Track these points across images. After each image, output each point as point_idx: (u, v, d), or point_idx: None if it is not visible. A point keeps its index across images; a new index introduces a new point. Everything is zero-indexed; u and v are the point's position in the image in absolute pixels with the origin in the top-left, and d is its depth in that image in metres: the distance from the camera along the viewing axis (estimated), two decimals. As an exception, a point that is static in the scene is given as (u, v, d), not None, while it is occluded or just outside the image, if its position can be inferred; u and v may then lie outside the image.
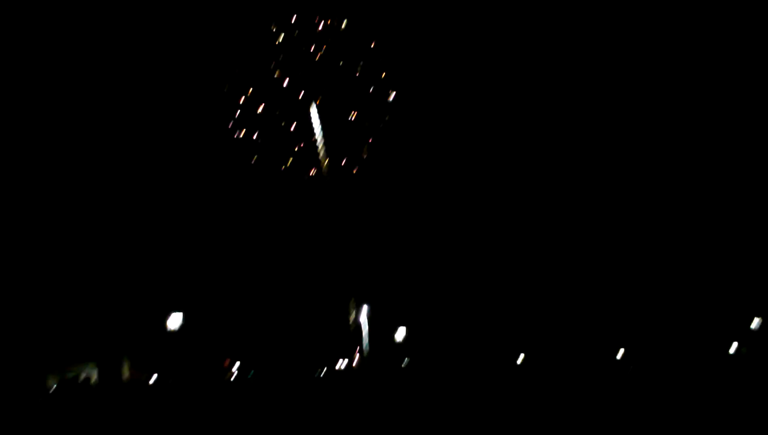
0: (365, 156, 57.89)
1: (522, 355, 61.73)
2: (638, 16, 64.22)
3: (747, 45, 60.81)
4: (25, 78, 59.91)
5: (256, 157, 57.94)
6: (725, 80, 62.34)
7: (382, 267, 61.54)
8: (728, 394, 27.74)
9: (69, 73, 61.17)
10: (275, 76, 56.98)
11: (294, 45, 57.00)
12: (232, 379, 58.51)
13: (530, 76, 66.25)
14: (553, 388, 33.51)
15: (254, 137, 57.76)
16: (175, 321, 42.16)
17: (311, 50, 56.99)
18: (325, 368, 59.15)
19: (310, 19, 56.87)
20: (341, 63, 57.46)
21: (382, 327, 56.85)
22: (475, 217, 66.17)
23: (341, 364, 59.29)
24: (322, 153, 57.88)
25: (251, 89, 57.03)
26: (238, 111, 57.24)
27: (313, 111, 57.71)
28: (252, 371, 61.48)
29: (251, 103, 57.48)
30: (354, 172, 58.43)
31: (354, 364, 54.33)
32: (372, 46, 57.58)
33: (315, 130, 57.58)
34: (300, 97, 57.63)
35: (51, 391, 45.72)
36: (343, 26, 56.85)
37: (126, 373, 54.68)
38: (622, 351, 58.69)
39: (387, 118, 58.23)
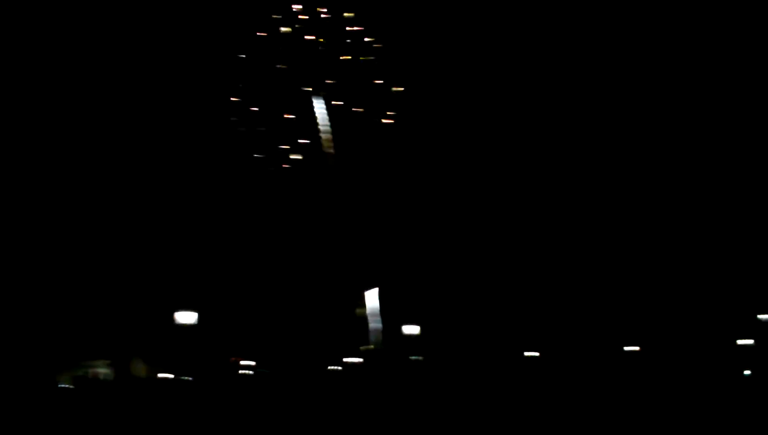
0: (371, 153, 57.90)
1: (534, 353, 61.62)
2: (646, 17, 63.92)
3: (747, 45, 60.53)
4: (29, 78, 59.99)
5: (263, 152, 58.04)
6: (725, 80, 62.06)
7: (392, 261, 61.43)
8: (733, 392, 27.65)
9: (78, 70, 61.25)
10: (279, 67, 57.05)
11: (300, 38, 57.04)
12: (241, 375, 58.57)
13: (539, 72, 65.94)
14: (563, 386, 33.44)
15: (261, 132, 57.85)
16: (186, 318, 42.32)
17: (317, 43, 57.02)
18: (335, 364, 59.14)
19: (316, 12, 56.90)
20: (348, 56, 57.49)
21: (392, 322, 56.86)
22: (485, 211, 65.93)
23: (351, 359, 59.26)
24: (328, 146, 57.93)
25: (256, 83, 57.12)
26: (244, 106, 57.34)
27: (319, 103, 57.77)
28: (263, 368, 61.54)
29: (257, 98, 57.57)
30: (361, 165, 58.47)
31: (364, 360, 54.37)
32: (378, 39, 57.55)
33: (320, 123, 57.64)
34: (305, 90, 57.68)
35: (64, 389, 45.90)
36: (349, 19, 56.87)
37: (137, 370, 54.85)
38: (631, 348, 58.47)
39: (393, 112, 58.21)
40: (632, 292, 61.18)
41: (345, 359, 59.06)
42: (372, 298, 55.15)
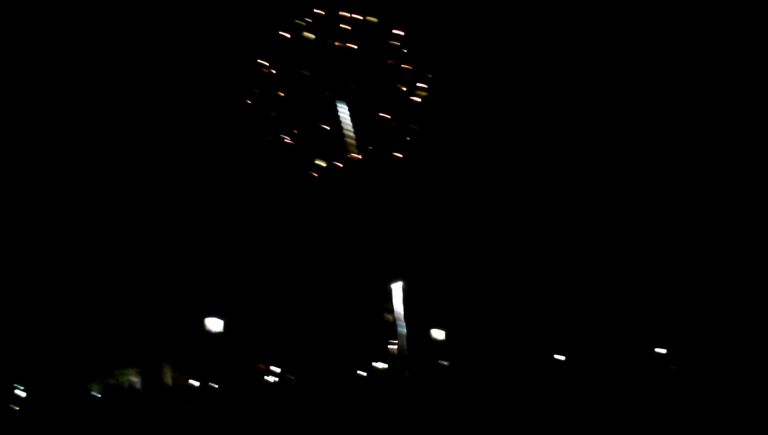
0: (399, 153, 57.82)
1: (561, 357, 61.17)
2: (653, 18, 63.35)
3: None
4: (53, 76, 60.66)
5: (288, 159, 58.27)
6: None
7: (418, 266, 61.40)
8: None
9: (108, 88, 62.00)
10: (302, 73, 57.28)
11: (323, 43, 57.24)
12: (268, 382, 58.84)
13: (566, 76, 65.56)
14: (592, 390, 33.19)
15: (286, 138, 58.10)
16: (214, 326, 42.61)
17: (341, 47, 57.19)
18: (362, 369, 59.17)
19: (339, 15, 57.05)
20: (371, 60, 57.55)
21: (418, 328, 56.81)
22: (512, 215, 65.69)
23: (378, 366, 59.28)
24: (353, 151, 58.05)
25: (279, 90, 57.40)
26: (267, 112, 57.62)
27: (343, 109, 57.94)
28: (289, 374, 61.76)
29: (280, 104, 57.84)
30: (386, 170, 58.49)
31: (390, 365, 54.36)
32: (402, 43, 57.56)
33: (345, 127, 57.79)
34: (329, 94, 57.86)
35: (94, 397, 46.45)
36: (374, 23, 56.96)
37: (167, 378, 55.32)
38: (658, 351, 57.84)
39: (417, 116, 58.16)
40: (661, 294, 60.57)
41: (372, 364, 59.14)
42: (398, 303, 55.11)
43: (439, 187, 64.31)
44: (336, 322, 61.54)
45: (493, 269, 64.18)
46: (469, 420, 26.31)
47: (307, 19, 57.06)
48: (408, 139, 58.74)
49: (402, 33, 57.82)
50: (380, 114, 58.46)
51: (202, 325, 50.45)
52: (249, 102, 57.31)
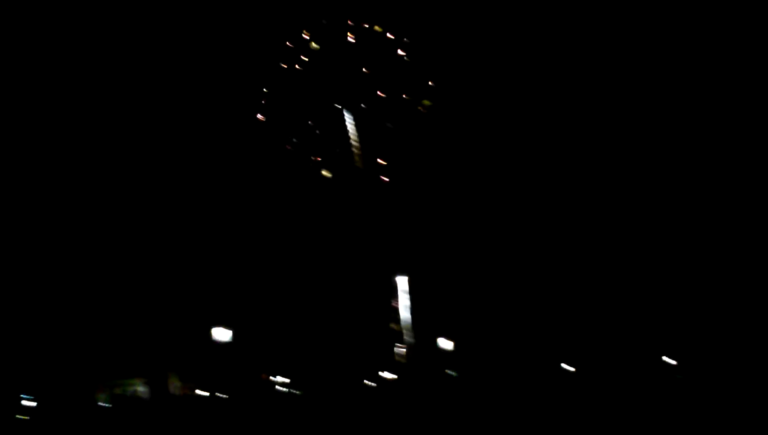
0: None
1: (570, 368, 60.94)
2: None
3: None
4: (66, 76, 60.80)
5: (295, 168, 58.36)
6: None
7: (425, 276, 61.27)
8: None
9: (121, 98, 62.22)
10: (308, 82, 57.43)
11: (330, 52, 57.37)
12: (273, 392, 58.72)
13: (576, 81, 65.44)
14: (602, 401, 33.03)
15: (292, 147, 58.18)
16: (221, 335, 42.60)
17: (347, 57, 57.34)
18: (369, 380, 58.99)
19: (346, 26, 57.21)
20: (375, 67, 57.67)
21: (425, 337, 56.64)
22: (520, 225, 65.52)
23: (385, 375, 59.11)
24: (359, 161, 58.09)
25: (285, 99, 57.54)
26: (274, 121, 57.74)
27: (349, 118, 58.02)
28: (296, 385, 61.58)
29: (287, 113, 57.96)
30: (392, 179, 58.48)
31: (399, 375, 54.19)
32: (409, 52, 57.66)
33: (350, 135, 57.86)
34: (334, 102, 57.97)
35: (101, 407, 46.44)
36: (377, 30, 57.08)
37: (174, 388, 55.26)
38: (667, 360, 57.54)
39: (424, 125, 58.20)
40: (672, 306, 60.29)
41: (380, 374, 58.97)
42: (405, 313, 55.00)
43: (446, 194, 64.21)
44: (343, 331, 61.43)
45: (501, 277, 63.99)
46: (477, 430, 26.22)
47: (313, 30, 57.25)
48: (413, 146, 58.75)
49: (407, 41, 57.92)
50: (386, 123, 58.50)
51: (209, 335, 50.43)
52: (258, 114, 57.50)
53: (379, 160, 58.34)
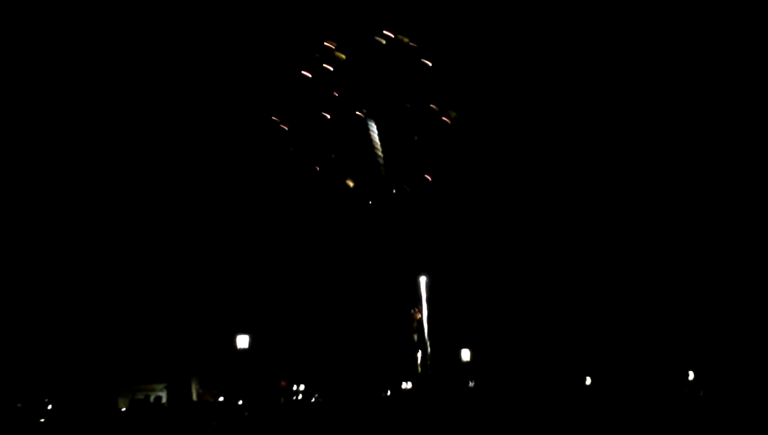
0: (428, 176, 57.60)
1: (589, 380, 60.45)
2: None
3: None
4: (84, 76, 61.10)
5: (317, 179, 58.40)
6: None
7: (444, 286, 61.08)
8: None
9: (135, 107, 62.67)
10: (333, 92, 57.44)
11: (352, 62, 57.39)
12: (293, 400, 58.79)
13: (602, 93, 65.01)
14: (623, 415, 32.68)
15: (316, 157, 58.25)
16: (242, 342, 42.70)
17: (371, 67, 57.33)
18: (389, 390, 58.91)
19: (370, 36, 57.21)
20: (402, 80, 57.59)
21: (445, 347, 56.41)
22: (541, 235, 65.18)
23: (405, 385, 58.99)
24: (382, 170, 57.98)
25: (308, 109, 57.62)
26: (297, 132, 57.85)
27: (373, 127, 57.96)
28: (317, 394, 61.64)
29: (310, 124, 58.05)
30: (415, 190, 58.31)
31: (416, 385, 53.98)
32: (434, 62, 57.56)
33: (375, 146, 57.78)
34: (358, 114, 57.93)
35: (121, 412, 46.72)
36: (405, 42, 57.01)
37: (195, 393, 55.52)
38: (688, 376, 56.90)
39: (449, 135, 58.01)
40: (693, 319, 59.62)
41: (398, 384, 58.88)
42: (426, 322, 54.80)
43: (471, 204, 64.09)
44: (363, 339, 61.43)
45: (523, 287, 63.73)
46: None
47: (338, 39, 57.33)
48: (439, 157, 58.55)
49: (433, 50, 57.80)
50: (410, 133, 58.39)
51: (230, 340, 50.59)
52: (281, 124, 57.63)
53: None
